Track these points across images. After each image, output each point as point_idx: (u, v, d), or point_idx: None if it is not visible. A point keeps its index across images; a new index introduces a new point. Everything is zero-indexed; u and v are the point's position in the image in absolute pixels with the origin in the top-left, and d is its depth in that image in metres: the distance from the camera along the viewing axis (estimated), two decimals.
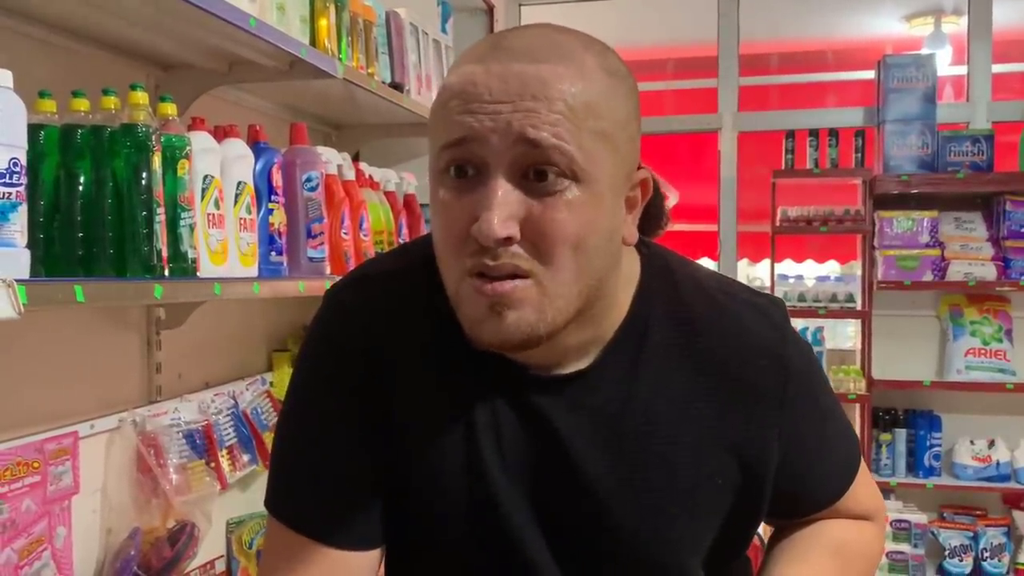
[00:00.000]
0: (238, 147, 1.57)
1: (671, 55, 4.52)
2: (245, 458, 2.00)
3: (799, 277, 3.88)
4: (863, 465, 1.06)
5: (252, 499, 2.19)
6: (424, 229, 2.46)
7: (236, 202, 1.51)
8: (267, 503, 0.93)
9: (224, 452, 1.94)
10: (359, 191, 2.08)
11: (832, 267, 5.48)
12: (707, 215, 4.09)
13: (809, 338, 3.65)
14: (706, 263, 2.10)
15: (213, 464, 1.88)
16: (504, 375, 0.87)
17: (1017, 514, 3.59)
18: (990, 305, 3.58)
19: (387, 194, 2.31)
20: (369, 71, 2.10)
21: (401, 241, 2.32)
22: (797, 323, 3.80)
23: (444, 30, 2.91)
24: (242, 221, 1.53)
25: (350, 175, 2.06)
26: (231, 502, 2.11)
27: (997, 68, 3.82)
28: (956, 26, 4.25)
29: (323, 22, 1.84)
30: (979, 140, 3.51)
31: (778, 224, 3.68)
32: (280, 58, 1.74)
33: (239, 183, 1.53)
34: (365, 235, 2.05)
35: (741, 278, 3.75)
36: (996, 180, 3.48)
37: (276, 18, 1.65)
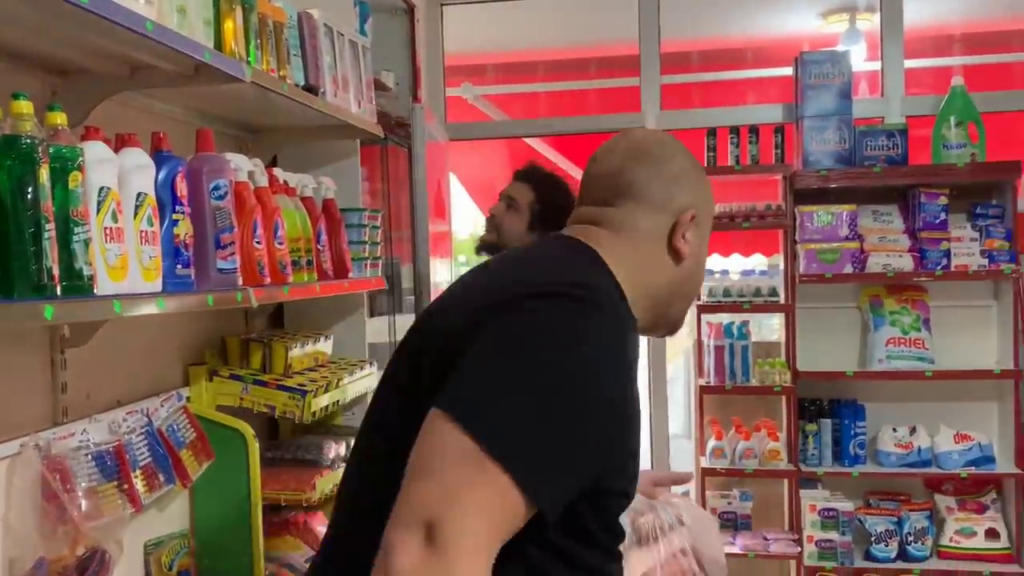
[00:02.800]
0: (137, 156, 1.50)
1: (593, 54, 4.53)
2: (161, 478, 1.93)
3: (724, 272, 3.92)
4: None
5: (170, 519, 2.12)
6: (345, 234, 2.41)
7: (136, 214, 1.45)
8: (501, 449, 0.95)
9: (138, 473, 1.86)
10: (272, 198, 2.02)
11: (759, 260, 5.58)
12: None
13: (735, 333, 3.70)
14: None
15: (126, 486, 1.80)
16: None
17: (939, 497, 3.69)
18: (908, 295, 3.67)
19: (304, 200, 2.26)
20: (281, 74, 2.04)
21: (320, 248, 2.27)
22: (723, 318, 3.88)
23: (363, 31, 2.86)
24: (143, 234, 1.46)
25: (262, 181, 2.00)
26: (148, 524, 2.04)
27: (909, 63, 3.93)
28: (870, 23, 4.35)
29: (229, 24, 1.77)
30: (894, 134, 3.60)
31: None
32: (183, 62, 1.67)
33: (139, 194, 1.46)
34: (280, 243, 1.99)
35: None
36: (911, 173, 3.57)
37: (177, 21, 1.58)
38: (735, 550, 3.63)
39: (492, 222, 2.75)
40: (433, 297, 3.12)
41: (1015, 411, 3.57)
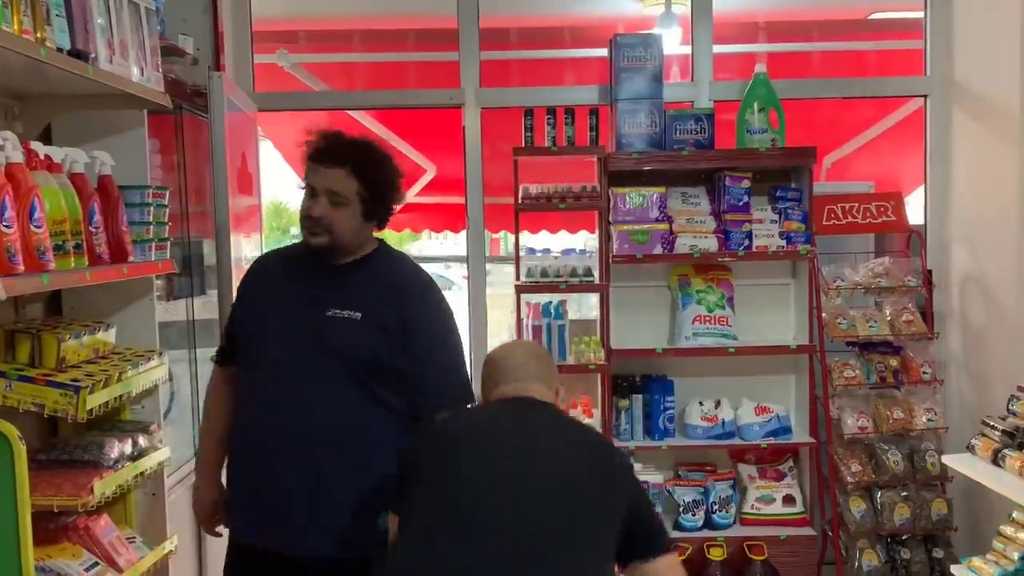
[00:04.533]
0: None
1: (412, 26, 4.41)
2: None
3: (546, 251, 3.94)
4: None
5: None
6: (124, 214, 2.20)
7: None
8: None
9: None
10: (30, 175, 1.81)
11: (583, 237, 5.67)
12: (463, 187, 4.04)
13: (552, 312, 3.72)
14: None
15: None
16: None
17: (741, 467, 3.88)
18: (714, 275, 3.81)
19: (73, 177, 2.04)
20: (39, 36, 1.81)
21: (93, 230, 2.07)
22: (543, 297, 3.90)
23: None
24: None
25: (16, 156, 1.78)
26: None
27: (719, 49, 4.05)
28: (686, 6, 4.46)
29: None
30: (701, 119, 3.70)
31: (520, 202, 3.70)
32: None
33: None
34: (38, 226, 1.78)
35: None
36: (716, 157, 3.69)
37: None
38: None
39: (320, 224, 2.14)
40: (236, 275, 2.94)
41: (810, 384, 3.80)
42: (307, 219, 2.11)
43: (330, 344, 2.07)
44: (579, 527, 1.74)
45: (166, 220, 2.43)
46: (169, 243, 2.47)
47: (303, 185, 2.17)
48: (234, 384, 2.29)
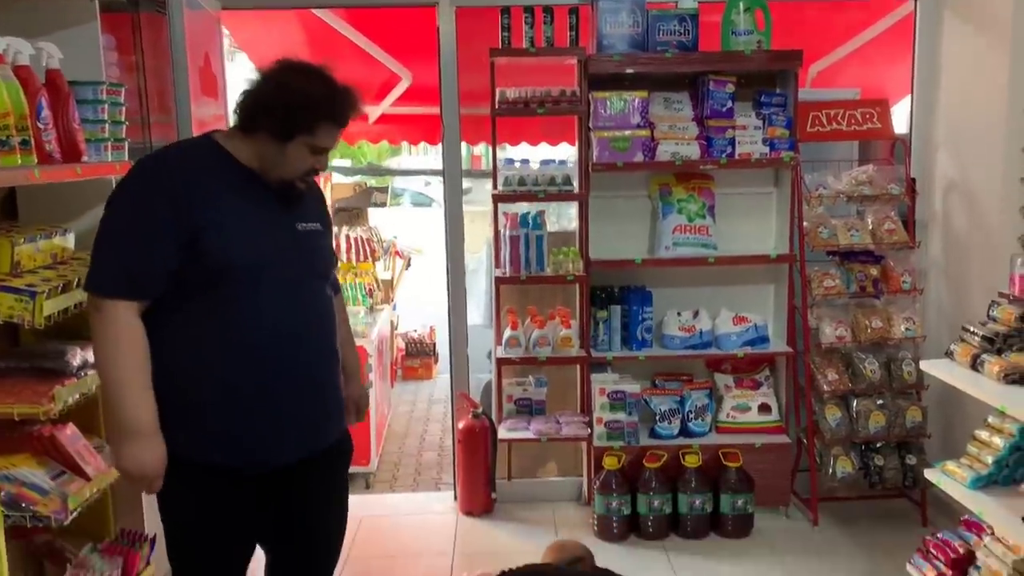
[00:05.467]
0: None
1: None
2: None
3: (525, 161, 3.83)
4: None
5: None
6: (74, 108, 2.08)
7: None
8: None
9: None
10: None
11: (565, 151, 5.55)
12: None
13: (530, 223, 3.64)
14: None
15: None
16: None
17: (718, 376, 3.88)
18: (696, 183, 3.74)
19: (18, 69, 1.92)
20: None
21: (42, 126, 1.95)
22: (521, 207, 3.81)
23: None
24: None
25: None
26: None
27: None
28: None
29: None
30: (685, 19, 3.57)
31: (497, 107, 3.58)
32: None
33: None
34: None
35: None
36: (701, 60, 3.57)
37: None
38: (529, 435, 3.68)
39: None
40: None
41: (789, 294, 3.77)
42: (310, 172, 2.00)
43: (312, 253, 2.10)
44: None
45: (123, 119, 2.32)
46: (127, 144, 2.36)
47: (311, 141, 1.92)
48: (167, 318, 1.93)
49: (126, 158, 2.33)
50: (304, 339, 2.03)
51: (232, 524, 2.03)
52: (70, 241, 2.33)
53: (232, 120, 1.96)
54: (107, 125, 2.21)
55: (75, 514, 2.11)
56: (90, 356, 2.27)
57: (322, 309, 2.11)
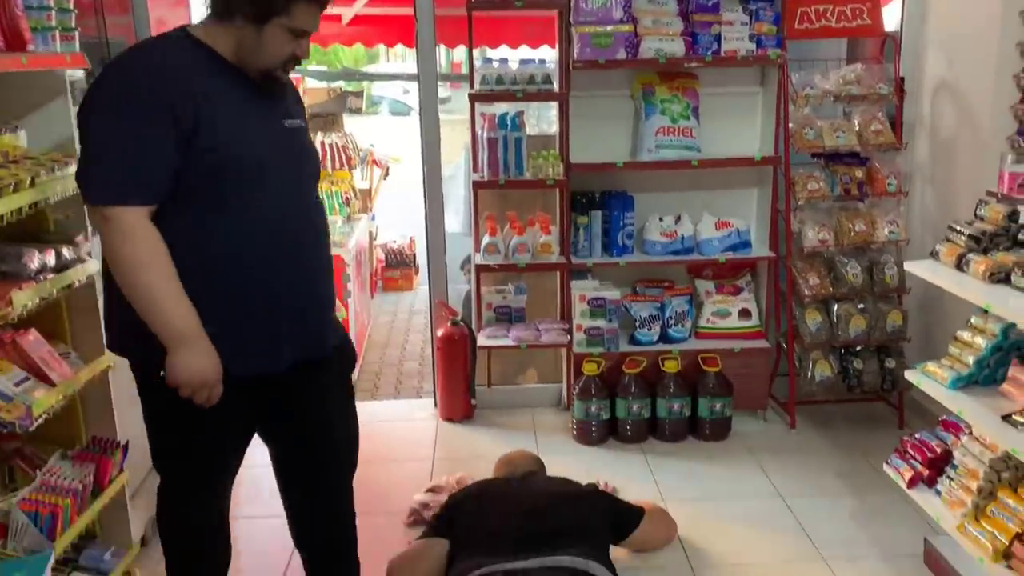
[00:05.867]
0: None
1: None
2: None
3: (504, 60, 3.69)
4: None
5: None
6: None
7: None
8: None
9: None
10: None
11: (545, 52, 5.37)
12: None
13: (508, 124, 3.53)
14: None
15: None
16: None
17: (699, 282, 3.84)
18: (680, 83, 3.62)
19: None
20: None
21: None
22: (500, 107, 3.68)
23: None
24: None
25: None
26: None
27: None
28: None
29: None
30: None
31: (473, 0, 3.43)
32: None
33: None
34: None
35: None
36: None
37: None
38: (509, 342, 3.65)
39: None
40: None
41: (772, 197, 3.70)
42: (292, 60, 1.87)
43: (303, 152, 2.03)
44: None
45: (71, 7, 2.17)
46: (78, 34, 2.22)
47: (289, 23, 1.80)
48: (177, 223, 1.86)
49: (77, 49, 2.19)
50: (305, 246, 1.97)
51: (226, 429, 2.00)
52: (21, 139, 2.21)
53: (204, 9, 1.84)
54: (54, 12, 2.07)
55: (40, 420, 2.05)
56: (50, 260, 2.18)
57: (317, 205, 2.05)
